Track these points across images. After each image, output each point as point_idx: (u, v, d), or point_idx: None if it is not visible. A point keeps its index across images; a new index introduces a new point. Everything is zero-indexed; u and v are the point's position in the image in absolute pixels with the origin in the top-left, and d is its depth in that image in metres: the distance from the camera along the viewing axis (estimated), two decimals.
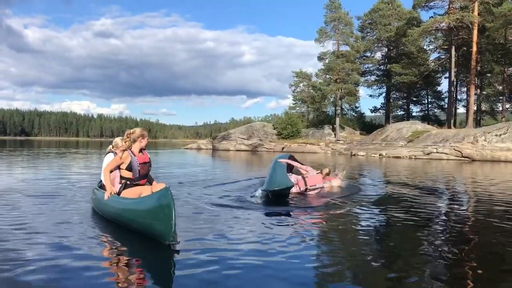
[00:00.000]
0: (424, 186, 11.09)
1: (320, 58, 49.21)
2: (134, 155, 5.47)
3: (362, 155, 34.52)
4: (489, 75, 42.94)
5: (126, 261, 3.95)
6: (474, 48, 38.19)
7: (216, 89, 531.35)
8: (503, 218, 6.35)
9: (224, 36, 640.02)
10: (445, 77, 46.87)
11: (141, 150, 5.59)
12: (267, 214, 6.20)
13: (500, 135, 29.87)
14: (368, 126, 50.85)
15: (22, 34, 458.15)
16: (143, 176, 5.58)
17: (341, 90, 46.77)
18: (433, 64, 47.15)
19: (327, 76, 48.14)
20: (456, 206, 7.34)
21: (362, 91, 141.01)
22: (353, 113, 55.52)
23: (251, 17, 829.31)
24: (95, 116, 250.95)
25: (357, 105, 54.83)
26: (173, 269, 3.69)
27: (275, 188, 7.75)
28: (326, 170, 8.99)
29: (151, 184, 5.71)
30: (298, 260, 3.98)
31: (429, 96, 52.88)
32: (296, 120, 47.68)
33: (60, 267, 3.64)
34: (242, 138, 46.03)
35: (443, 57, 46.68)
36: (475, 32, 37.87)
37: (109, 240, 4.68)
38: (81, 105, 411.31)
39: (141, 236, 4.53)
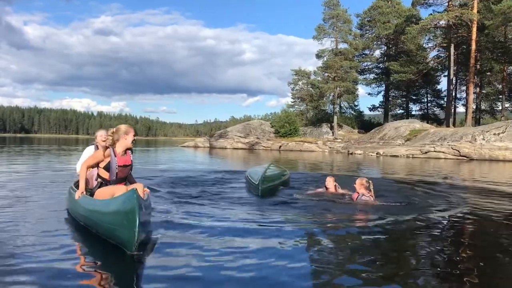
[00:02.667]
0: (419, 185, 10.77)
1: (318, 56, 48.86)
2: (115, 155, 4.99)
3: (360, 154, 34.20)
4: (488, 73, 42.58)
5: (87, 271, 3.54)
6: (473, 46, 37.82)
7: (216, 87, 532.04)
8: (500, 219, 6.03)
9: (225, 34, 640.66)
10: (445, 76, 46.60)
11: (125, 151, 5.11)
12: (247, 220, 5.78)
13: (499, 134, 29.52)
14: (367, 125, 50.48)
15: (22, 31, 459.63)
16: (121, 179, 5.09)
17: (340, 88, 46.41)
18: (432, 62, 46.80)
19: (326, 74, 47.77)
20: (450, 206, 6.99)
21: (361, 90, 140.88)
22: (352, 112, 55.17)
23: (251, 16, 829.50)
24: (95, 114, 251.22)
25: (355, 103, 54.58)
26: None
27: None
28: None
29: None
30: (287, 268, 3.61)
31: (428, 95, 52.52)
32: (293, 118, 47.36)
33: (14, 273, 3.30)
34: (239, 136, 45.69)
35: (442, 55, 46.34)
36: (474, 29, 37.51)
37: (72, 247, 4.23)
38: (81, 102, 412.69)
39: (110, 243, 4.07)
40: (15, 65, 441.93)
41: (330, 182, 7.88)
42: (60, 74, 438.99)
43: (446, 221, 5.85)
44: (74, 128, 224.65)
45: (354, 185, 6.86)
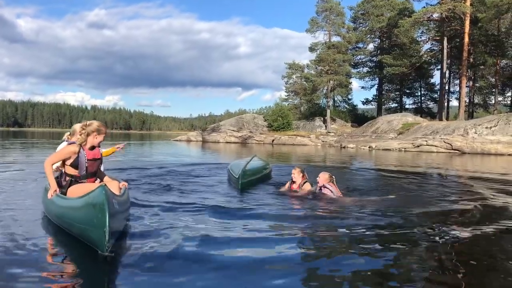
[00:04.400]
0: (403, 177, 10.63)
1: (311, 49, 48.61)
2: (83, 149, 4.75)
3: (352, 148, 34.10)
4: (482, 67, 42.42)
5: (54, 274, 3.26)
6: (466, 39, 37.66)
7: (211, 81, 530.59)
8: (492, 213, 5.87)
9: (219, 28, 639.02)
10: (438, 69, 46.44)
11: (93, 147, 4.87)
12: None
13: (491, 127, 29.44)
14: (360, 118, 50.32)
15: (14, 24, 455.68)
16: (91, 174, 4.86)
17: (333, 81, 46.20)
18: (425, 55, 46.64)
19: (319, 67, 47.51)
20: (442, 201, 6.84)
21: (355, 83, 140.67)
22: (346, 105, 54.99)
23: (246, 8, 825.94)
24: (89, 108, 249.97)
25: (349, 97, 54.39)
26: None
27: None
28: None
29: (102, 181, 5.06)
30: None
31: (422, 88, 52.41)
32: (287, 112, 47.11)
33: None
34: (232, 130, 45.44)
35: (435, 48, 46.20)
36: (467, 23, 37.32)
37: (42, 248, 3.90)
38: (75, 96, 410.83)
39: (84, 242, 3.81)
40: (8, 59, 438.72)
41: (295, 175, 7.29)
42: (54, 67, 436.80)
43: (418, 215, 5.68)
44: (67, 122, 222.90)
45: (318, 178, 6.93)
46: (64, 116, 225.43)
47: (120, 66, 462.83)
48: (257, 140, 42.82)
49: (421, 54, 46.33)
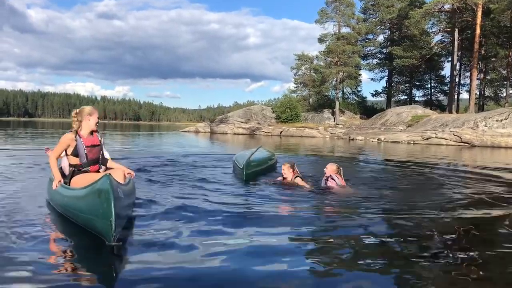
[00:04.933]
0: (409, 169, 10.53)
1: (321, 40, 48.26)
2: (80, 137, 4.78)
3: (361, 140, 33.91)
4: (493, 59, 41.80)
5: (61, 264, 3.25)
6: (478, 31, 37.14)
7: (220, 72, 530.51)
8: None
9: (229, 18, 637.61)
10: (448, 61, 45.88)
11: (92, 133, 4.92)
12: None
13: (501, 120, 29.11)
14: (369, 111, 49.97)
15: (25, 15, 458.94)
16: (93, 161, 4.88)
17: (342, 73, 45.90)
18: (436, 47, 46.10)
19: (328, 58, 47.18)
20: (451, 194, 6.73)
21: (364, 75, 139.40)
22: (355, 97, 54.60)
23: None
24: (98, 98, 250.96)
25: (358, 89, 54.00)
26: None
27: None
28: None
29: (106, 167, 5.07)
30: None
31: (432, 81, 51.90)
32: (295, 104, 46.87)
33: None
34: (240, 122, 45.35)
35: (446, 40, 45.65)
36: (479, 14, 36.79)
37: (47, 238, 3.90)
38: (85, 86, 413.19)
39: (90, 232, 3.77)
40: (18, 49, 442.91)
41: (285, 170, 7.09)
42: (64, 58, 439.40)
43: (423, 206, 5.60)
44: None
45: (325, 169, 6.89)
46: (74, 106, 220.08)
47: (130, 56, 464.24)
48: (265, 132, 42.72)
49: (431, 45, 45.79)
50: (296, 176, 7.04)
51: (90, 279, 2.99)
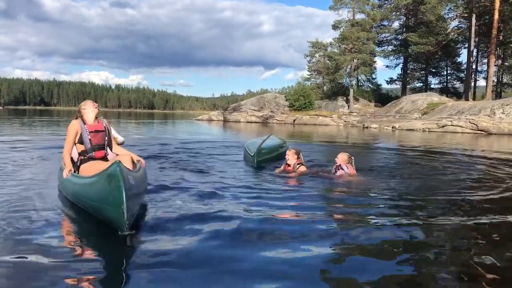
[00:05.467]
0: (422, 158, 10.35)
1: (335, 27, 47.67)
2: (84, 123, 4.88)
3: (375, 128, 33.62)
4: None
5: (75, 255, 3.15)
6: (496, 16, 36.33)
7: (233, 60, 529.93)
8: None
9: (242, 6, 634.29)
10: (465, 48, 44.97)
11: (96, 119, 5.01)
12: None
13: None
14: (384, 98, 49.37)
15: (40, 3, 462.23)
16: (97, 146, 4.87)
17: (356, 60, 45.36)
18: (452, 33, 45.24)
19: (342, 45, 46.64)
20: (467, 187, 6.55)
21: (379, 62, 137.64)
22: (369, 85, 53.97)
23: None
24: (113, 87, 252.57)
25: (373, 76, 53.34)
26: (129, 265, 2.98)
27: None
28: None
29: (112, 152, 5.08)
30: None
31: (448, 68, 51.05)
32: (309, 92, 46.52)
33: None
34: (253, 110, 45.20)
35: (463, 26, 44.75)
36: None
37: (59, 226, 3.86)
38: (99, 75, 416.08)
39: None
40: (34, 38, 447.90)
41: (290, 156, 6.95)
42: (79, 46, 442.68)
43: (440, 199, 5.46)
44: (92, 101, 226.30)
45: (336, 158, 6.80)
46: (89, 95, 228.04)
47: (143, 45, 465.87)
48: (278, 120, 42.55)
49: (448, 31, 44.92)
50: (299, 164, 6.91)
51: (101, 267, 2.94)
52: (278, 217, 4.19)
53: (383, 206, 4.81)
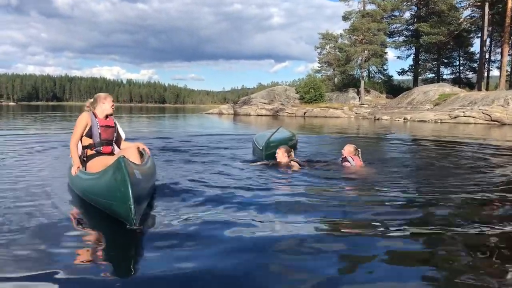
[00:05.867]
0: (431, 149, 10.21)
1: (345, 18, 47.23)
2: (96, 117, 4.81)
3: (386, 119, 33.36)
4: None
5: (83, 249, 3.16)
6: (510, 4, 35.69)
7: (244, 53, 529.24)
8: None
9: None
10: (478, 37, 44.26)
11: (107, 116, 4.94)
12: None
13: None
14: (396, 89, 48.85)
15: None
16: (106, 141, 4.83)
17: (367, 51, 44.94)
18: (465, 22, 44.55)
19: (353, 37, 46.21)
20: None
21: (391, 53, 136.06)
22: (381, 76, 53.45)
23: None
24: (124, 82, 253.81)
25: (384, 67, 52.81)
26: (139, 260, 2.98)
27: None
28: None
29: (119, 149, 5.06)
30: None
31: (460, 58, 50.34)
32: (319, 84, 46.23)
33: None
34: (263, 103, 45.05)
35: (476, 15, 44.03)
36: None
37: (69, 221, 3.87)
38: (111, 70, 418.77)
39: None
40: (46, 34, 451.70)
41: (279, 154, 6.73)
42: (89, 42, 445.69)
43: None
44: None
45: (342, 150, 6.75)
46: (101, 90, 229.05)
47: (154, 39, 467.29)
48: (289, 113, 42.39)
49: (460, 21, 44.24)
50: (292, 161, 6.72)
51: (108, 262, 2.92)
52: (286, 217, 4.09)
53: (389, 200, 4.69)
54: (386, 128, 23.42)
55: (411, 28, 50.13)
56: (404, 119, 31.93)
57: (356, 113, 39.96)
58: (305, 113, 41.51)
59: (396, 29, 51.60)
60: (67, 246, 3.10)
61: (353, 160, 6.53)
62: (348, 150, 6.65)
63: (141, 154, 4.99)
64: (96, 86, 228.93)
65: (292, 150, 6.99)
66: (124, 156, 3.53)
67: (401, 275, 2.74)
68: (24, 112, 41.60)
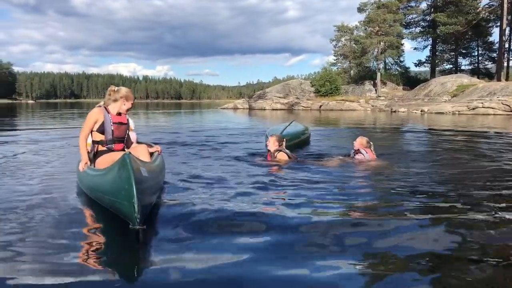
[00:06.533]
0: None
1: (360, 10, 46.72)
2: (108, 113, 4.64)
3: (403, 112, 32.94)
4: None
5: (85, 248, 3.11)
6: None
7: (259, 48, 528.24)
8: None
9: None
10: (497, 26, 43.33)
11: (120, 113, 4.77)
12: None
13: None
14: (413, 81, 48.15)
15: None
16: (118, 139, 4.70)
17: (383, 43, 44.37)
18: (483, 12, 43.64)
19: (368, 28, 45.67)
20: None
21: (407, 44, 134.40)
22: (397, 68, 52.77)
23: None
24: (140, 78, 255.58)
25: (401, 59, 52.12)
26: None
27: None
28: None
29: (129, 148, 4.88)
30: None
31: (479, 48, 49.34)
32: (335, 77, 45.82)
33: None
34: (278, 97, 44.81)
35: (494, 3, 43.07)
36: None
37: (74, 219, 3.79)
38: (127, 67, 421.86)
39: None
40: (63, 32, 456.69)
41: (271, 143, 6.52)
42: (106, 39, 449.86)
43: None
44: None
45: (354, 142, 6.64)
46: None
47: (169, 36, 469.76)
48: (304, 106, 42.13)
49: (478, 10, 43.36)
50: (279, 151, 6.51)
51: (112, 263, 2.88)
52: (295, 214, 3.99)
53: (403, 195, 4.57)
54: (403, 120, 23.11)
55: (428, 19, 49.36)
56: (421, 111, 31.49)
57: (373, 106, 39.54)
58: (320, 106, 41.21)
59: (412, 20, 50.89)
60: (68, 247, 3.05)
61: (366, 153, 6.42)
62: (360, 142, 6.52)
63: (151, 153, 4.85)
64: (113, 83, 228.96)
65: (285, 140, 6.78)
66: (130, 153, 3.45)
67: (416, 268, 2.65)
68: (43, 110, 42.18)
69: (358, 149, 6.47)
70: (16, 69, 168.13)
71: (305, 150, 8.16)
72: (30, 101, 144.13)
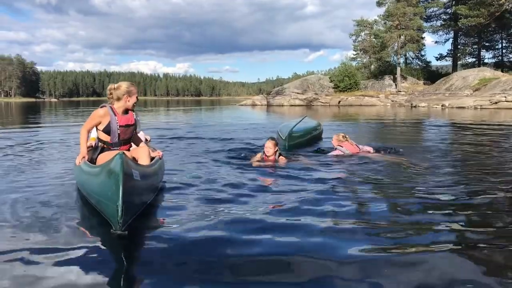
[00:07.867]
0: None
1: (379, 3, 46.08)
2: (115, 115, 4.40)
3: (423, 107, 32.43)
4: None
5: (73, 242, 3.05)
6: None
7: (278, 44, 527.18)
8: None
9: None
10: None
11: (127, 111, 4.54)
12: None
13: None
14: (434, 75, 47.34)
15: None
16: (124, 141, 4.53)
17: (403, 37, 43.69)
18: (507, 3, 42.53)
19: (388, 22, 45.02)
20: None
21: (428, 38, 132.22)
22: (418, 62, 51.93)
23: None
24: (161, 76, 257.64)
25: (422, 53, 51.29)
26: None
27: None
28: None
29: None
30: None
31: (503, 40, 48.16)
32: (354, 72, 45.32)
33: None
34: (296, 93, 44.53)
35: None
36: None
37: (60, 219, 3.64)
38: (148, 65, 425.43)
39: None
40: (84, 31, 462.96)
41: (270, 146, 6.27)
42: (126, 37, 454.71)
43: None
44: (142, 90, 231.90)
45: (332, 141, 6.98)
46: (138, 84, 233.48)
47: (188, 33, 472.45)
48: (323, 102, 41.81)
49: (501, 2, 42.26)
50: (279, 153, 6.39)
51: (98, 266, 2.75)
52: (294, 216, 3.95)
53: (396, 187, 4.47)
54: (422, 115, 22.72)
55: (449, 12, 48.39)
56: (442, 105, 30.96)
57: (392, 101, 39.02)
58: (339, 102, 40.87)
59: (433, 13, 50.00)
60: (54, 247, 2.99)
61: (343, 147, 6.69)
62: (335, 139, 6.87)
63: (152, 158, 4.56)
64: (134, 80, 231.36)
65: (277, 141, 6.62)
66: (124, 153, 3.27)
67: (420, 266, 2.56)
68: (67, 108, 42.86)
69: (335, 147, 6.81)
70: (39, 68, 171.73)
71: (314, 146, 8.01)
72: (53, 100, 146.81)
